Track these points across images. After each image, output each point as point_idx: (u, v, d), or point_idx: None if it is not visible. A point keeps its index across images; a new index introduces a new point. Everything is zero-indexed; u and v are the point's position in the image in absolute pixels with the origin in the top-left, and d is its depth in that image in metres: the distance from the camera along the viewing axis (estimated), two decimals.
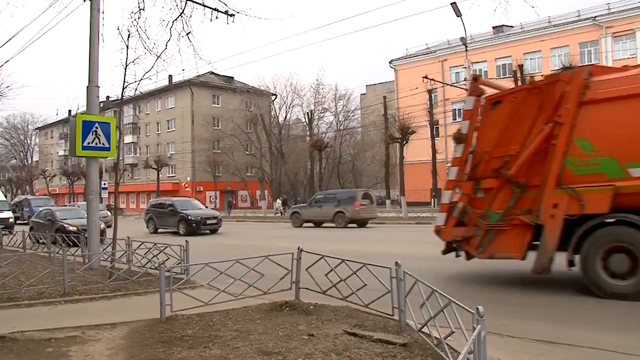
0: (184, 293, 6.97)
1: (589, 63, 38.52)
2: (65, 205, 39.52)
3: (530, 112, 8.35)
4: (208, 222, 23.80)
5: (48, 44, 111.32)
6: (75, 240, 14.38)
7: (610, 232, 7.34)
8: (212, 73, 51.15)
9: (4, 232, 18.44)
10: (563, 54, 38.99)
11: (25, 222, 32.76)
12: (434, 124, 38.66)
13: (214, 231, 24.25)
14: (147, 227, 25.67)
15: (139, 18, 9.72)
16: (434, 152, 36.77)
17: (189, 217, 23.33)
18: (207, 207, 31.92)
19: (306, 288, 7.27)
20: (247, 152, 56.89)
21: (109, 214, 28.06)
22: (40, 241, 16.60)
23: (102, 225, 17.73)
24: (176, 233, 23.49)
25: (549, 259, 7.73)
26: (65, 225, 18.64)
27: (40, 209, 34.51)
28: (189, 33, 9.96)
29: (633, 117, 7.23)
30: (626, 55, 37.41)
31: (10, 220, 26.44)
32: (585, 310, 6.82)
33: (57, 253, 9.49)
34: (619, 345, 5.31)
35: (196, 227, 23.13)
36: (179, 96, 58.74)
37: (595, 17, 38.79)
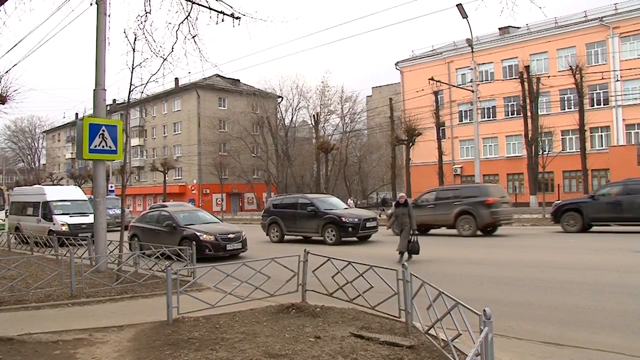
0: (191, 295, 6.98)
1: (596, 64, 38.39)
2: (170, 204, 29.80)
3: None
4: (368, 225, 17.77)
5: (55, 48, 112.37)
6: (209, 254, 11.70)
7: None
8: (218, 76, 51.41)
9: (82, 241, 13.91)
10: (570, 55, 38.81)
11: None
12: (440, 126, 38.60)
13: (365, 238, 18.21)
14: (268, 234, 19.67)
15: (145, 21, 9.76)
16: (441, 153, 36.72)
17: (343, 219, 17.42)
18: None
19: (313, 290, 7.27)
20: (253, 155, 56.98)
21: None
22: (150, 254, 11.04)
23: (244, 234, 14.98)
24: (309, 240, 18.62)
25: None
26: (198, 234, 13.92)
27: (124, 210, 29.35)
28: (194, 36, 9.98)
29: None
30: (634, 56, 37.19)
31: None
32: (590, 312, 6.78)
33: (64, 256, 9.53)
34: (624, 347, 5.29)
35: (353, 232, 17.34)
36: (185, 99, 58.90)
37: (602, 17, 38.56)
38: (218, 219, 17.94)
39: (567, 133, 39.39)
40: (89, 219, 18.56)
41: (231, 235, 14.37)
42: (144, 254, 11.51)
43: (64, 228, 18.80)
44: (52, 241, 15.08)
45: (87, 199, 22.57)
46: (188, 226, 14.65)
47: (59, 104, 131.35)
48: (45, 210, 20.13)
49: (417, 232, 12.65)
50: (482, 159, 33.49)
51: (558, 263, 11.12)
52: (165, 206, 19.77)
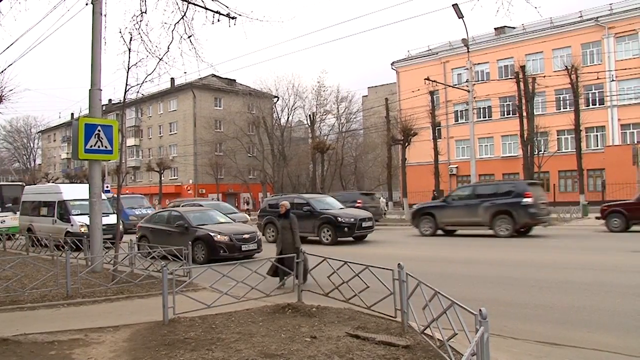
0: (187, 296, 6.97)
1: (592, 64, 38.52)
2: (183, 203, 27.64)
3: None
4: (364, 225, 17.71)
5: (51, 48, 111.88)
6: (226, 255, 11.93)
7: None
8: (214, 76, 51.25)
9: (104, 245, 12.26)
10: (565, 55, 38.91)
11: None
12: (436, 126, 38.58)
13: (361, 238, 18.15)
14: (265, 234, 19.04)
15: (141, 21, 9.76)
16: (436, 153, 36.69)
17: (339, 219, 17.33)
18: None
19: (309, 290, 7.28)
20: (249, 155, 56.89)
21: (248, 217, 24.34)
22: (152, 255, 11.04)
23: (259, 234, 14.33)
24: (305, 240, 16.52)
25: None
26: (212, 234, 13.41)
27: (139, 210, 26.69)
28: (190, 36, 9.98)
29: None
30: (629, 56, 37.36)
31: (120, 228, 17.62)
32: (586, 312, 6.80)
33: (60, 256, 9.50)
34: (620, 346, 5.31)
35: (349, 232, 17.23)
36: (181, 99, 58.80)
37: (598, 17, 38.71)
38: (231, 218, 17.11)
39: (563, 133, 39.53)
40: (110, 220, 17.02)
41: (246, 236, 13.76)
42: (147, 254, 11.27)
43: (83, 229, 16.98)
44: (50, 242, 14.69)
45: (106, 198, 19.76)
46: (201, 226, 14.04)
47: (54, 104, 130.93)
48: (62, 210, 18.72)
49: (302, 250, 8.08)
50: (477, 159, 33.56)
51: (554, 263, 11.17)
52: (201, 205, 19.63)
